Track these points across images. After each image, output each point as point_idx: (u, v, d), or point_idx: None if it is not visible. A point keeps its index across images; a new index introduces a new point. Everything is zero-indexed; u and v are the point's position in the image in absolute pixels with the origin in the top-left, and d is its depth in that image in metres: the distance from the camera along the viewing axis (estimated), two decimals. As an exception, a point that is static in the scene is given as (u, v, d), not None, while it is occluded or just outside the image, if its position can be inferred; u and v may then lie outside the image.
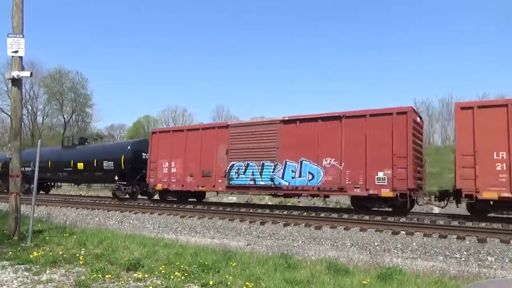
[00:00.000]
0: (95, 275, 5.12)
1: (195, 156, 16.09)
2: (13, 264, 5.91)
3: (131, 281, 5.05)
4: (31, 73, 8.73)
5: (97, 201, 19.10)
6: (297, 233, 10.71)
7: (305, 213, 13.22)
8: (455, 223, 10.90)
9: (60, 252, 6.52)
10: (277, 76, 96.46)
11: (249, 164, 14.66)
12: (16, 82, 8.32)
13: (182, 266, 5.67)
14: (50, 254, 6.38)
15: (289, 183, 13.76)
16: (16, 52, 8.14)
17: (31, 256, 6.24)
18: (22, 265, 5.83)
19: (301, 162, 13.55)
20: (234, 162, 15.02)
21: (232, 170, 15.06)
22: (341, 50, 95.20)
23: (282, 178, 13.90)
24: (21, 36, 8.19)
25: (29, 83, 49.27)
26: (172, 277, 5.10)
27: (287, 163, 13.85)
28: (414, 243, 9.14)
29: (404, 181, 11.61)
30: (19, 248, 6.89)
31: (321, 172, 13.12)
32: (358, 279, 5.23)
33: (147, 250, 6.93)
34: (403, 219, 11.58)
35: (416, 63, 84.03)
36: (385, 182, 11.95)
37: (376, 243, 9.41)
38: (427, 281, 5.38)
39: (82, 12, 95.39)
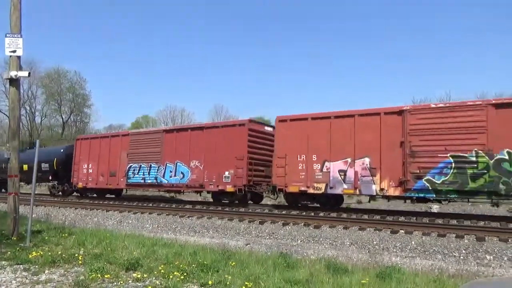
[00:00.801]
0: (94, 275, 5.12)
1: (105, 159, 19.45)
2: (11, 264, 5.90)
3: (130, 281, 5.05)
4: (29, 73, 8.71)
5: (96, 202, 19.14)
6: (296, 232, 10.72)
7: (304, 213, 13.24)
8: (454, 221, 10.94)
9: (59, 252, 6.51)
10: (277, 76, 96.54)
11: (141, 165, 17.93)
12: (14, 82, 8.31)
13: (181, 265, 5.66)
14: (49, 254, 6.37)
15: (168, 181, 16.93)
16: (14, 52, 8.13)
17: (30, 256, 6.23)
18: (21, 265, 5.83)
19: (176, 164, 16.67)
20: (131, 164, 18.35)
21: (129, 171, 18.36)
22: (341, 50, 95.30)
23: (163, 177, 17.02)
24: (19, 36, 8.17)
25: (27, 83, 49.14)
26: (171, 276, 5.10)
27: (167, 164, 16.99)
28: (413, 242, 9.16)
29: (241, 179, 14.70)
30: (18, 248, 6.88)
31: (189, 172, 16.23)
32: (357, 278, 5.24)
33: (146, 250, 6.93)
34: (402, 218, 11.61)
35: (415, 61, 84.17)
36: (229, 180, 15.09)
37: (375, 242, 9.43)
38: (425, 279, 5.39)
39: (81, 12, 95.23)
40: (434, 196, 11.53)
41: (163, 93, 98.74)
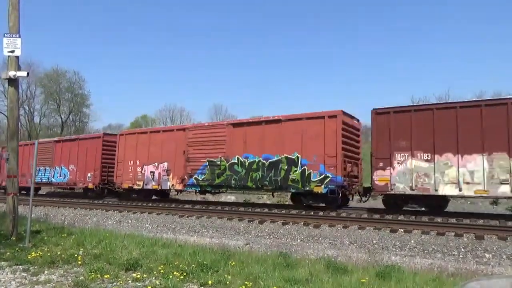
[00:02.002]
0: (93, 275, 5.11)
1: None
2: (11, 264, 5.89)
3: (129, 281, 5.04)
4: (28, 73, 8.70)
5: (95, 201, 19.11)
6: (296, 232, 10.72)
7: (304, 212, 13.24)
8: (453, 220, 10.95)
9: (58, 253, 6.51)
10: (276, 76, 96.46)
11: (46, 168, 22.71)
12: (13, 82, 8.29)
13: (181, 265, 5.66)
14: (48, 254, 6.37)
15: (56, 180, 22.20)
16: (12, 52, 8.11)
17: (29, 257, 6.22)
18: (20, 266, 5.82)
19: (61, 167, 21.91)
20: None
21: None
22: (340, 50, 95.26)
23: (53, 177, 22.32)
24: (17, 36, 8.15)
25: (26, 83, 48.93)
26: (171, 276, 5.10)
27: (56, 167, 22.18)
28: (412, 241, 9.17)
29: (97, 178, 19.76)
30: (17, 249, 6.87)
31: (68, 173, 21.41)
32: (356, 277, 5.24)
33: (146, 250, 6.93)
34: (401, 217, 11.61)
35: (414, 60, 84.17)
36: (90, 180, 20.16)
37: (374, 241, 9.43)
38: (425, 278, 5.40)
39: (80, 11, 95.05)
40: (199, 189, 16.31)
41: (163, 93, 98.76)
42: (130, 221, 13.82)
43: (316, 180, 13.03)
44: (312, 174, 13.16)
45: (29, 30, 75.14)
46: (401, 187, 11.98)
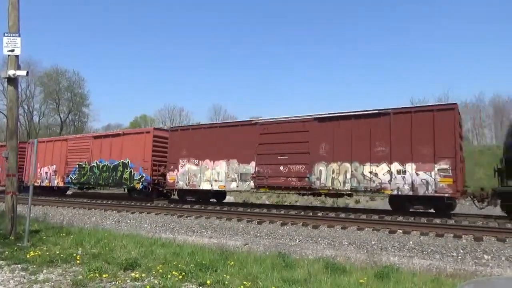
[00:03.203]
0: (92, 275, 5.11)
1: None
2: (9, 263, 5.88)
3: (128, 281, 5.04)
4: (27, 72, 8.67)
5: (94, 201, 19.11)
6: (295, 232, 10.72)
7: (303, 213, 13.24)
8: (452, 221, 10.96)
9: (57, 252, 6.50)
10: (276, 76, 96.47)
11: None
12: (12, 81, 8.28)
13: (179, 265, 5.66)
14: (47, 253, 6.36)
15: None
16: (12, 51, 8.10)
17: (27, 256, 6.21)
18: (19, 265, 5.81)
19: None
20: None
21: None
22: (340, 50, 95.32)
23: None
24: (17, 35, 8.15)
25: (25, 82, 48.84)
26: (169, 276, 5.09)
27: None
28: (411, 242, 9.17)
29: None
30: (15, 248, 6.86)
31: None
32: (355, 278, 5.24)
33: (144, 249, 6.92)
34: (400, 218, 11.62)
35: (414, 61, 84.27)
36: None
37: (373, 242, 9.44)
38: (423, 279, 5.40)
39: (79, 11, 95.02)
40: (73, 185, 22.13)
41: (162, 93, 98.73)
42: (129, 221, 13.82)
43: (137, 179, 18.03)
44: (135, 174, 18.19)
45: (29, 30, 75.13)
46: (181, 184, 16.58)
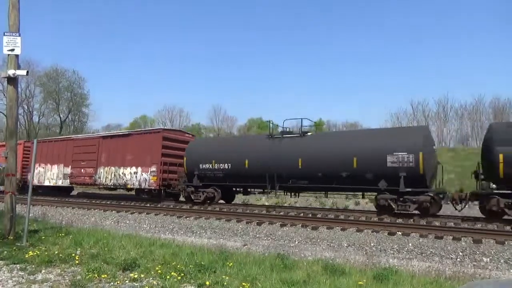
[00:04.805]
0: (90, 275, 5.10)
1: None
2: (8, 263, 5.87)
3: (127, 281, 5.03)
4: (27, 72, 8.67)
5: (93, 201, 19.09)
6: (294, 233, 10.71)
7: (302, 214, 13.24)
8: (451, 224, 10.96)
9: (56, 252, 6.48)
10: (275, 76, 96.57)
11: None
12: (12, 80, 8.27)
13: (178, 266, 5.65)
14: (46, 253, 6.35)
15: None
16: (12, 50, 8.09)
17: (26, 256, 6.20)
18: (17, 265, 5.80)
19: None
20: None
21: None
22: (339, 51, 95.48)
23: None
24: (17, 34, 8.14)
25: (25, 82, 48.88)
26: (168, 277, 5.09)
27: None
28: (410, 244, 9.17)
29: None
30: (14, 248, 6.85)
31: None
32: (354, 280, 5.24)
33: (143, 250, 6.91)
34: (399, 220, 11.63)
35: (413, 64, 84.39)
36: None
37: (372, 244, 9.43)
38: (422, 281, 5.39)
39: (79, 11, 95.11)
40: None
41: (162, 93, 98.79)
42: (128, 221, 13.80)
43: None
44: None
45: (30, 29, 75.16)
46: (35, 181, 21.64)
